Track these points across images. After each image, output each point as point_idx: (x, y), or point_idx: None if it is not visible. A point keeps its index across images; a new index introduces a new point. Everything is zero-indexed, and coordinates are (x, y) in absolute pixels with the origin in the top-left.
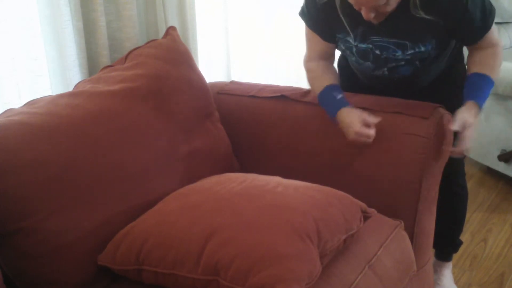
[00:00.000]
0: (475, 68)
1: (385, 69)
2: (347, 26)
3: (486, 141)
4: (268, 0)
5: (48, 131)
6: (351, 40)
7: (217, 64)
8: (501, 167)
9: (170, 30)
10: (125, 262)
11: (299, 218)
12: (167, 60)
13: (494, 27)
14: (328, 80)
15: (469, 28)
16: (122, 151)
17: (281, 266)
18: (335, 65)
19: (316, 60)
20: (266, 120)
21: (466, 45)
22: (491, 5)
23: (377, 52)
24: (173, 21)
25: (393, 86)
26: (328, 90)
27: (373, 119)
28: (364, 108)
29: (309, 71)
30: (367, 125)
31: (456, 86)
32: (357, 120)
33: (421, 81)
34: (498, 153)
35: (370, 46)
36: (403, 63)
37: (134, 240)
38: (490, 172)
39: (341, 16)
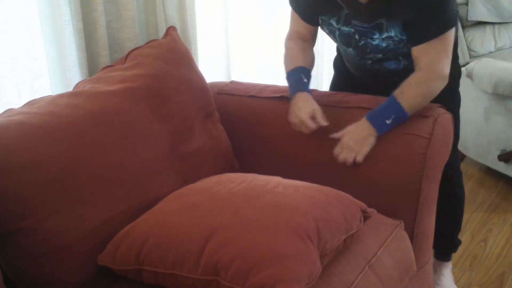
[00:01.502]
0: (399, 93)
1: (369, 61)
2: (335, 7)
3: (486, 141)
4: (268, 0)
5: (48, 131)
6: (334, 23)
7: (217, 64)
8: (501, 167)
9: (170, 30)
10: (125, 262)
11: (299, 218)
12: (167, 60)
13: (445, 54)
14: (301, 61)
15: (422, 22)
16: (122, 151)
17: (281, 266)
18: (331, 64)
19: (295, 39)
20: (266, 120)
21: (413, 43)
22: (453, 18)
23: (357, 37)
24: (173, 21)
25: (386, 82)
26: (298, 70)
27: (321, 120)
28: (362, 108)
29: (286, 48)
30: (313, 119)
31: (448, 86)
32: (308, 109)
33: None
34: (498, 153)
35: (352, 30)
36: (381, 55)
37: (134, 240)
38: (490, 172)
39: None
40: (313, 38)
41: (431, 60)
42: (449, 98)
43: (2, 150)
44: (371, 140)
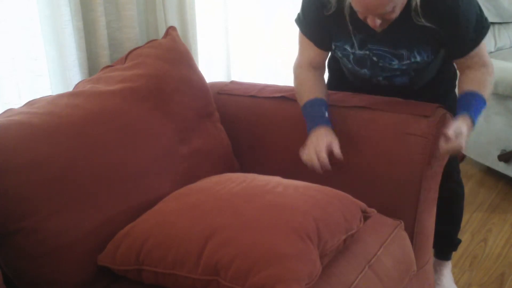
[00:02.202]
0: (467, 87)
1: (381, 78)
2: (351, 33)
3: (486, 141)
4: (268, 0)
5: (48, 131)
6: (348, 48)
7: (217, 64)
8: (501, 167)
9: (170, 30)
10: (125, 262)
11: (299, 218)
12: (167, 60)
13: (485, 47)
14: (320, 93)
15: (462, 36)
16: (122, 151)
17: (281, 266)
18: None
19: (306, 67)
20: (266, 120)
21: (456, 56)
22: (486, 20)
23: (374, 59)
24: (173, 21)
25: (385, 90)
26: (318, 103)
27: (338, 154)
28: (363, 107)
29: (300, 78)
30: (330, 152)
31: (446, 86)
32: (325, 144)
33: (414, 86)
34: (498, 153)
35: (368, 52)
36: (398, 73)
37: (134, 240)
38: (490, 172)
39: (348, 24)
40: (324, 65)
41: (480, 60)
42: (446, 99)
43: (2, 150)
44: (469, 128)
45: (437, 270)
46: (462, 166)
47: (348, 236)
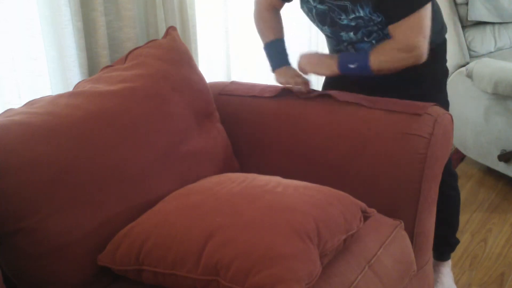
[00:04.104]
0: (374, 50)
1: (345, 43)
2: None
3: (486, 141)
4: None
5: (48, 131)
6: (311, 1)
7: (217, 64)
8: (501, 167)
9: (170, 30)
10: (125, 262)
11: (299, 218)
12: (167, 60)
13: (419, 28)
14: (281, 33)
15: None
16: (122, 151)
17: (281, 266)
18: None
19: (268, 6)
20: (266, 121)
21: (388, 22)
22: None
23: (331, 14)
24: (173, 21)
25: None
26: (281, 43)
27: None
28: (357, 104)
29: (263, 17)
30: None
31: (426, 85)
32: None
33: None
34: (498, 153)
35: (326, 7)
36: (352, 34)
37: (134, 240)
38: (490, 172)
39: None
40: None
41: (405, 35)
42: (422, 96)
43: (2, 150)
44: (327, 64)
45: (436, 270)
46: (462, 166)
47: (348, 236)
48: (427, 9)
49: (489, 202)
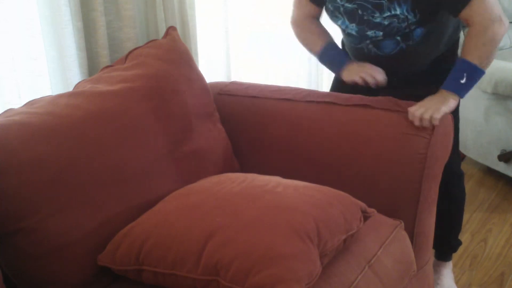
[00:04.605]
0: (463, 53)
1: (368, 41)
2: None
3: (486, 141)
4: (268, 0)
5: (48, 131)
6: (339, 0)
7: (217, 64)
8: (501, 167)
9: (170, 30)
10: (125, 262)
11: (299, 218)
12: (167, 60)
13: (491, 3)
14: (330, 37)
15: None
16: (122, 151)
17: (281, 266)
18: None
19: (307, 19)
20: (266, 121)
21: (453, 13)
22: None
23: (360, 12)
24: (173, 21)
25: (383, 68)
26: (334, 44)
27: (381, 80)
28: (359, 105)
29: (304, 27)
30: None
31: (435, 85)
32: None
33: (410, 64)
34: (498, 153)
35: (355, 6)
36: (381, 33)
37: (134, 240)
38: (490, 172)
39: None
40: (319, 19)
41: (479, 14)
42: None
43: (2, 150)
44: (450, 102)
45: (437, 270)
46: (462, 166)
47: (348, 236)
48: None
49: (489, 202)
